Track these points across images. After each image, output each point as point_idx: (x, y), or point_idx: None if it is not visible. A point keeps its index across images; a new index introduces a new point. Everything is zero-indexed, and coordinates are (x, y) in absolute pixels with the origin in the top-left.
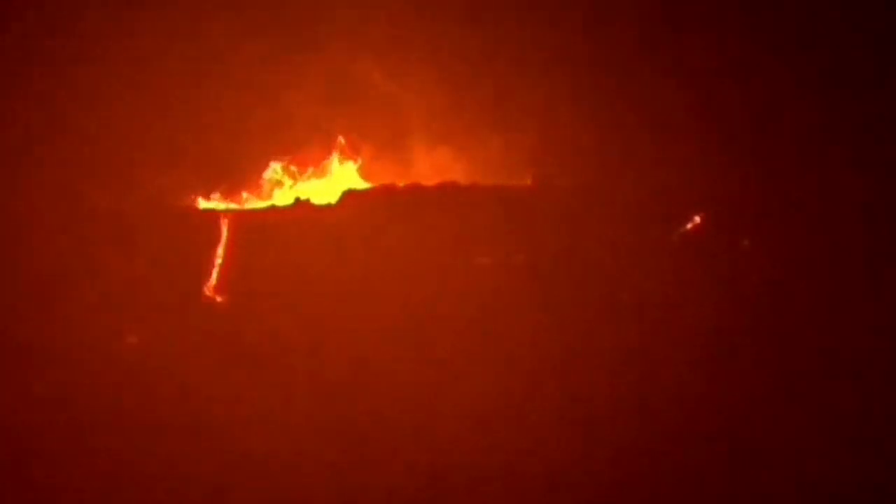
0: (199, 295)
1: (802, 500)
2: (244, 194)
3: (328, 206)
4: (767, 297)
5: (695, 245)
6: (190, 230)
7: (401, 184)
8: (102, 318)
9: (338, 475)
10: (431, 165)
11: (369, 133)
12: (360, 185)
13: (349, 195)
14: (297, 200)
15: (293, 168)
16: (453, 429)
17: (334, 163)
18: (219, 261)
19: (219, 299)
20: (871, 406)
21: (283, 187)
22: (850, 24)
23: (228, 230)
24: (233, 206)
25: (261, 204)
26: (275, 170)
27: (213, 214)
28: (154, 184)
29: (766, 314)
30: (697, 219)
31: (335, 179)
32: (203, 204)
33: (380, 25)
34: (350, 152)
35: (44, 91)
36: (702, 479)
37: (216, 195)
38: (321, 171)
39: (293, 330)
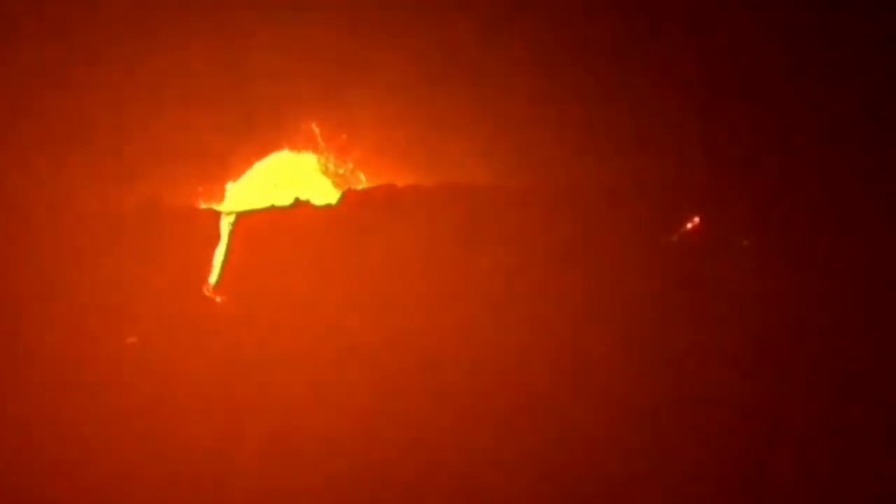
0: (199, 295)
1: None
2: (243, 194)
3: (328, 206)
4: (768, 297)
5: (695, 245)
6: (190, 230)
7: (401, 184)
8: (102, 318)
9: (339, 475)
10: (431, 166)
11: (369, 133)
12: (360, 185)
13: (349, 195)
14: (297, 200)
15: (293, 168)
16: (453, 428)
17: (334, 163)
18: (219, 261)
19: (218, 299)
20: (872, 408)
21: (283, 187)
22: (849, 24)
23: (228, 230)
24: (232, 206)
25: (261, 204)
26: (275, 170)
27: (213, 214)
28: (153, 184)
29: (766, 315)
30: (697, 219)
31: (335, 179)
32: (203, 204)
33: (377, 26)
34: (350, 152)
35: (41, 91)
36: (701, 481)
37: (216, 195)
38: (321, 172)
39: (293, 330)
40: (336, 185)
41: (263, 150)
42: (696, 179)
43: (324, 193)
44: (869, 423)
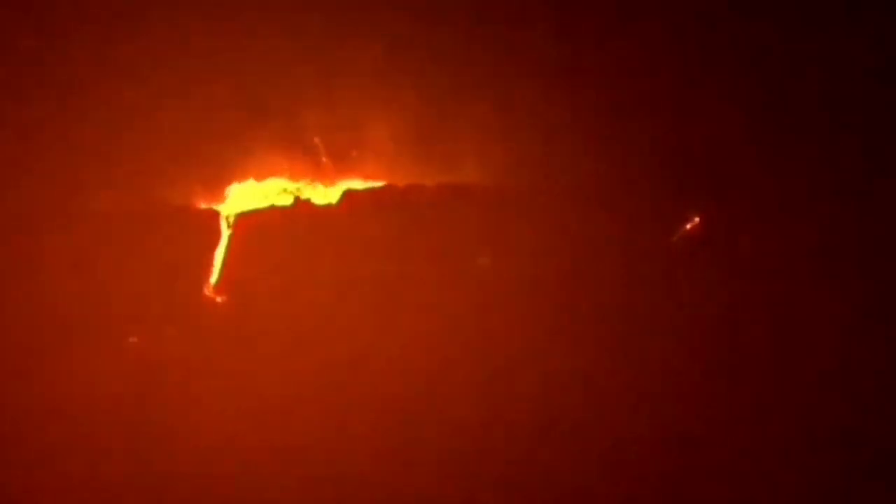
0: (199, 295)
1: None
2: (243, 194)
3: (328, 206)
4: (768, 298)
5: (694, 245)
6: (190, 230)
7: (401, 184)
8: (102, 318)
9: (339, 477)
10: (431, 165)
11: (369, 133)
12: (360, 185)
13: (349, 195)
14: (297, 200)
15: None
16: (451, 429)
17: (334, 163)
18: (219, 261)
19: (219, 300)
20: (872, 409)
21: (283, 187)
22: (851, 20)
23: (228, 230)
24: (232, 206)
25: (261, 204)
26: (275, 170)
27: (213, 214)
28: (154, 184)
29: (767, 316)
30: (697, 219)
31: (335, 179)
32: (203, 204)
33: (377, 26)
34: (350, 152)
35: (42, 91)
36: (702, 484)
37: (216, 195)
38: (321, 172)
39: (293, 330)
40: (336, 185)
41: (264, 150)
42: (697, 180)
43: (324, 193)
44: (871, 422)
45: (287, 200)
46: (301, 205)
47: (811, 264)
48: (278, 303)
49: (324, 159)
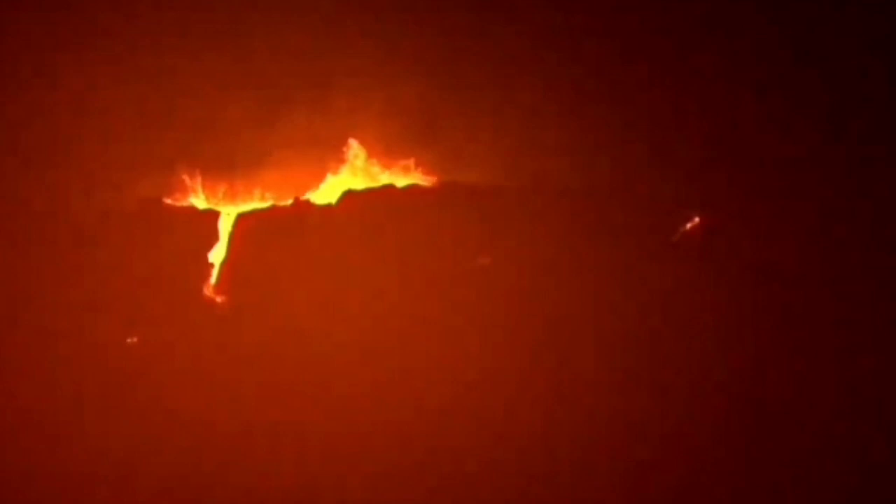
0: (199, 295)
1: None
2: (244, 194)
3: (328, 206)
4: (768, 297)
5: (694, 245)
6: (190, 230)
7: (401, 184)
8: (103, 317)
9: (338, 474)
10: (431, 165)
11: (368, 134)
12: (360, 185)
13: (349, 195)
14: (297, 200)
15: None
16: (449, 426)
17: (334, 163)
18: (219, 261)
19: (218, 299)
20: (870, 406)
21: (283, 187)
22: (848, 27)
23: (229, 230)
24: (233, 206)
25: (261, 204)
26: (275, 171)
27: (213, 214)
28: (154, 184)
29: (765, 314)
30: (697, 219)
31: (335, 179)
32: (203, 204)
33: (378, 29)
34: (350, 153)
35: (43, 93)
36: (700, 481)
37: (216, 195)
38: (322, 172)
39: (292, 328)
40: (336, 184)
41: (264, 151)
42: (696, 180)
43: (324, 193)
44: (870, 421)
45: (287, 200)
46: (301, 205)
47: (811, 264)
48: (278, 302)
49: (324, 159)
